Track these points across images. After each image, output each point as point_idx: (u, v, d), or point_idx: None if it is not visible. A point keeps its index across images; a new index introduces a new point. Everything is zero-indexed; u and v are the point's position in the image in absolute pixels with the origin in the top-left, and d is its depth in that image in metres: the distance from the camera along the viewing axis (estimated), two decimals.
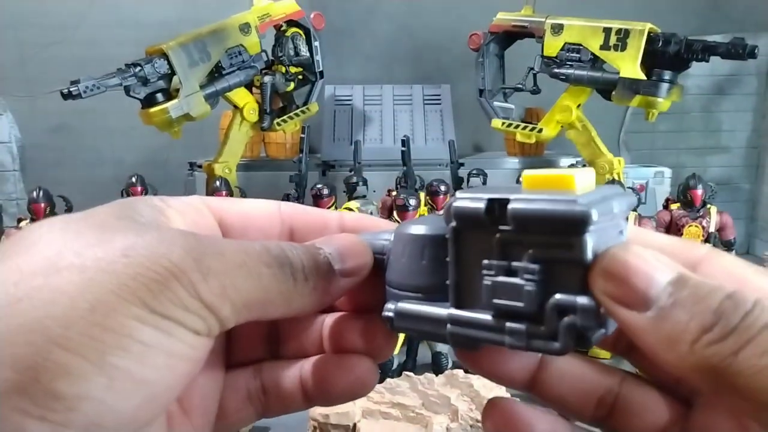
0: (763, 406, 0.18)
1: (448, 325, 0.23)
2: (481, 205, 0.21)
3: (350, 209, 1.75)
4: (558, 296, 0.20)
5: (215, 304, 0.21)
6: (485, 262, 0.22)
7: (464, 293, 0.23)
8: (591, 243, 0.20)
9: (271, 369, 0.29)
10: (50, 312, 0.19)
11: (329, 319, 0.30)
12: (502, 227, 0.21)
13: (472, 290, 0.22)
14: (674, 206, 1.72)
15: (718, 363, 0.18)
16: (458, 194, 0.22)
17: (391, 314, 0.25)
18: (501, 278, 0.21)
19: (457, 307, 0.23)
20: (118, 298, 0.20)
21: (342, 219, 0.30)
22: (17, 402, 0.18)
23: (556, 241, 0.20)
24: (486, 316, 0.22)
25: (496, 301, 0.21)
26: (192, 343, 0.21)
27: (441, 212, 0.25)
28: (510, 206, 0.20)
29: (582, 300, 0.20)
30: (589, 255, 0.20)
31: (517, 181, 1.78)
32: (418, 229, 0.25)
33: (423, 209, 1.72)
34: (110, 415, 0.19)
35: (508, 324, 0.21)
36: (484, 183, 1.95)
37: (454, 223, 0.22)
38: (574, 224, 0.20)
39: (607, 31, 1.75)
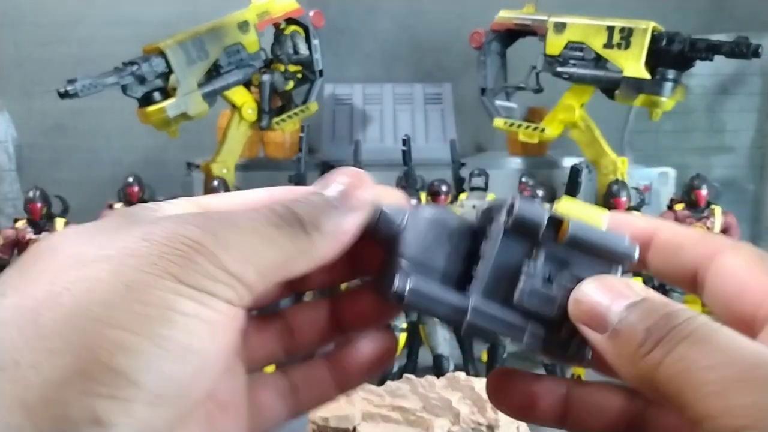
0: (682, 408, 0.20)
1: (469, 314, 0.25)
2: (544, 218, 0.24)
3: None
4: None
5: (239, 271, 0.22)
6: (527, 267, 0.24)
7: (492, 287, 0.25)
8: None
9: (297, 369, 0.30)
10: (92, 298, 0.20)
11: (333, 304, 0.31)
12: (547, 242, 0.24)
13: (498, 286, 0.25)
14: (679, 207, 1.71)
15: (648, 372, 0.21)
16: (517, 198, 0.24)
17: (403, 290, 0.26)
18: (539, 287, 0.24)
19: (480, 299, 0.25)
20: (151, 275, 0.20)
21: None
22: (84, 385, 0.18)
23: (598, 268, 0.24)
24: (512, 316, 0.24)
25: (522, 301, 0.24)
26: (227, 312, 0.22)
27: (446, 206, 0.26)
28: (571, 229, 0.24)
29: None
30: None
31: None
32: (449, 215, 0.27)
33: None
34: (171, 386, 0.20)
35: (531, 326, 0.24)
36: (486, 183, 1.94)
37: (509, 223, 0.24)
38: (621, 257, 0.24)
39: (611, 29, 1.74)
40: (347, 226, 0.26)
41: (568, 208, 0.25)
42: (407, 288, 0.26)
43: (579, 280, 0.24)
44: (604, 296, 0.23)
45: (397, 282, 0.26)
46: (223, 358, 0.23)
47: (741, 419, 0.18)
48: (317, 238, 0.25)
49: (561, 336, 0.24)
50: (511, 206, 0.24)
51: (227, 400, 0.27)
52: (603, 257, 0.24)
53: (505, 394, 0.28)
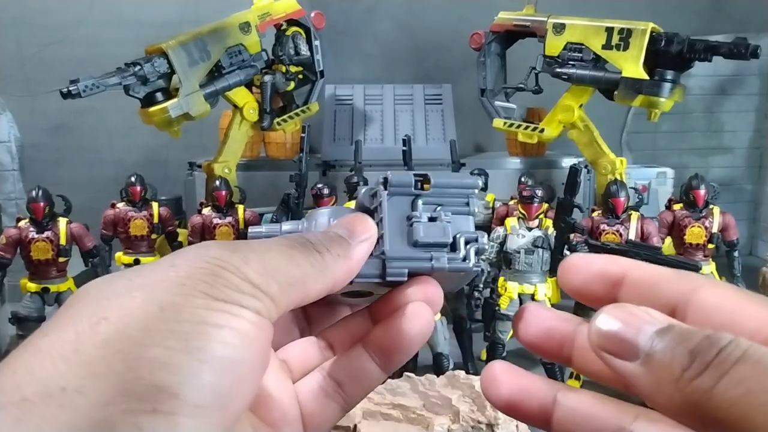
0: None
1: (387, 262, 0.30)
2: (411, 178, 0.31)
3: (351, 209, 1.74)
4: (466, 234, 0.32)
5: (262, 283, 0.24)
6: (413, 213, 0.31)
7: (394, 239, 0.31)
8: (475, 201, 0.32)
9: (336, 363, 0.31)
10: (128, 323, 0.21)
11: (371, 306, 0.33)
12: (421, 192, 0.31)
13: (399, 237, 0.31)
14: (677, 207, 1.71)
15: (699, 398, 0.20)
16: (390, 173, 0.31)
17: None
18: (430, 224, 0.31)
19: (391, 251, 0.31)
20: (181, 296, 0.22)
21: None
22: (127, 404, 0.19)
23: (460, 201, 0.32)
24: (418, 253, 0.31)
25: (424, 238, 0.30)
26: (257, 322, 0.23)
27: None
28: (433, 178, 0.31)
29: (480, 233, 0.32)
30: (474, 208, 0.32)
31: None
32: (342, 208, 0.33)
33: None
34: (211, 396, 0.21)
35: (434, 253, 0.31)
36: (486, 183, 1.95)
37: (387, 191, 0.31)
38: (471, 186, 0.32)
39: (610, 30, 1.75)
40: (355, 252, 0.29)
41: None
42: None
43: (451, 212, 0.31)
44: (629, 323, 0.22)
45: None
46: (258, 367, 0.24)
47: None
48: (329, 259, 0.27)
49: (460, 252, 0.31)
50: (385, 179, 0.31)
51: (278, 416, 0.29)
52: (460, 192, 0.32)
53: (496, 387, 0.28)
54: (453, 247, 0.31)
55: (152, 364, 0.20)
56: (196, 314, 0.22)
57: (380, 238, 0.31)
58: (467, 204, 0.32)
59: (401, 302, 0.31)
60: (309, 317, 0.35)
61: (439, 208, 0.32)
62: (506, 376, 0.29)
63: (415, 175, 0.31)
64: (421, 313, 0.30)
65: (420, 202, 0.31)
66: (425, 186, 0.31)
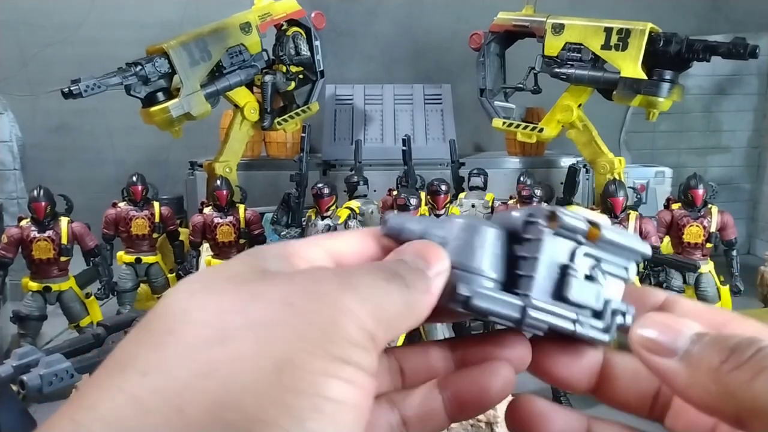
0: None
1: (530, 311, 0.27)
2: (584, 225, 0.27)
3: (351, 208, 1.75)
4: (615, 303, 0.28)
5: (373, 328, 0.22)
6: (570, 264, 0.28)
7: (541, 285, 0.28)
8: (634, 268, 0.29)
9: (407, 398, 0.29)
10: (240, 382, 0.19)
11: (455, 342, 0.31)
12: (586, 242, 0.28)
13: (547, 284, 0.28)
14: (675, 206, 1.72)
15: (737, 388, 0.21)
16: (559, 209, 0.27)
17: (468, 293, 0.27)
18: (585, 282, 0.28)
19: (535, 297, 0.28)
20: (302, 352, 0.20)
21: None
22: None
23: (620, 263, 0.29)
24: (564, 309, 0.28)
25: (576, 297, 0.28)
26: (368, 389, 0.22)
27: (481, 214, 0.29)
28: (604, 231, 0.28)
29: (630, 308, 0.29)
30: (632, 277, 0.29)
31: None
32: (477, 221, 0.29)
33: (424, 208, 1.72)
34: None
35: (580, 316, 0.28)
36: (485, 182, 1.96)
37: (552, 229, 0.27)
38: (640, 255, 0.29)
39: (608, 30, 1.75)
40: (434, 286, 0.26)
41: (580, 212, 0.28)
42: (474, 292, 0.27)
43: (605, 274, 0.28)
44: (670, 326, 0.25)
45: (461, 289, 0.27)
46: None
47: None
48: (416, 294, 0.25)
49: (603, 323, 0.28)
50: (552, 214, 0.27)
51: None
52: (625, 254, 0.29)
53: (526, 427, 0.29)
54: (597, 312, 0.28)
55: None
56: (314, 384, 0.20)
57: (524, 276, 0.28)
58: (626, 269, 0.29)
59: (492, 353, 0.29)
60: None
61: (596, 265, 0.28)
62: (534, 416, 0.29)
63: (588, 221, 0.28)
64: (507, 376, 0.29)
65: (581, 252, 0.28)
66: (590, 235, 0.28)
